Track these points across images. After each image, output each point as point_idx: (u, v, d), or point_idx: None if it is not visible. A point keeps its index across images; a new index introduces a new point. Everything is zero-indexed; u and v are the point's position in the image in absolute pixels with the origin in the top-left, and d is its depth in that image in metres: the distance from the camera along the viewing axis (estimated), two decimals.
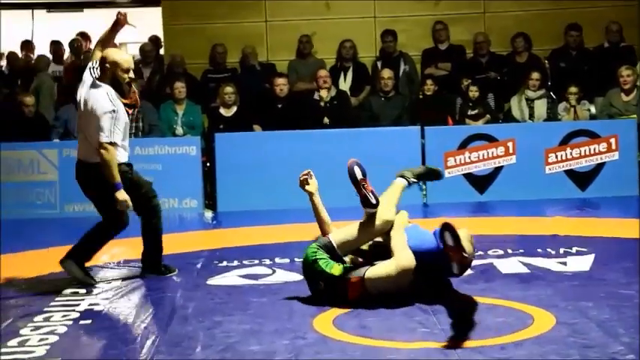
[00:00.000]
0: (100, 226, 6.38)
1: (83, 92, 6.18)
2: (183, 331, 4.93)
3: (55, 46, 13.14)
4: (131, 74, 6.23)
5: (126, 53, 6.30)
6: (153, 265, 6.51)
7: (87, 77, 6.25)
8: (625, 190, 10.01)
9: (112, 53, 6.16)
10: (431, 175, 5.97)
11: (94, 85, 6.11)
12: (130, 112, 6.35)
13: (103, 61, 6.10)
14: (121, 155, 6.14)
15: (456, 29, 12.10)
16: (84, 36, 13.04)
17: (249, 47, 11.90)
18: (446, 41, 11.83)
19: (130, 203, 6.12)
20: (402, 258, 5.34)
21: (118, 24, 6.39)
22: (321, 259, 5.44)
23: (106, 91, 6.04)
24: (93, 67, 6.29)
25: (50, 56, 12.99)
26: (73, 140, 10.40)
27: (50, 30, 14.73)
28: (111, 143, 5.96)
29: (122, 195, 6.04)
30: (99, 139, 5.94)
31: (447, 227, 5.16)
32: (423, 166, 6.13)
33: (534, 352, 4.32)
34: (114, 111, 5.98)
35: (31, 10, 15.96)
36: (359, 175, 5.55)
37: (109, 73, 6.09)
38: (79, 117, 6.28)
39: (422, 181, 5.98)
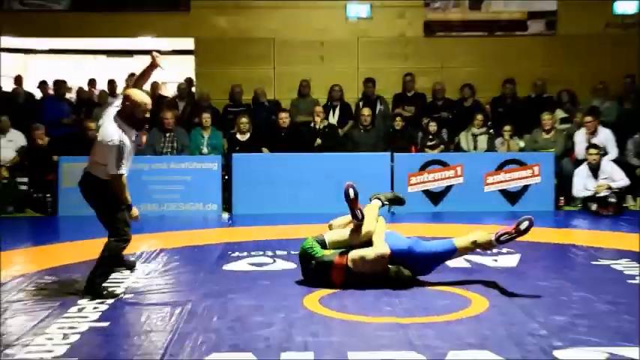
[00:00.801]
0: (107, 246, 5.47)
1: (102, 121, 5.48)
2: (203, 305, 4.94)
3: (111, 84, 13.17)
4: (147, 115, 5.61)
5: (147, 96, 5.59)
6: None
7: (110, 109, 5.51)
8: (544, 205, 10.01)
9: (134, 94, 5.45)
10: (397, 201, 6.04)
11: (110, 119, 5.40)
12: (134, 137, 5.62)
13: (126, 98, 5.43)
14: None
15: (420, 79, 12.15)
16: (133, 76, 13.04)
17: (260, 88, 11.94)
18: (412, 89, 11.87)
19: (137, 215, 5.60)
20: (380, 247, 5.42)
21: (153, 65, 5.73)
22: (314, 247, 5.54)
23: (119, 125, 5.35)
24: (118, 100, 5.56)
25: (107, 91, 13.03)
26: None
27: (108, 71, 14.74)
28: (120, 175, 5.34)
29: (135, 212, 5.55)
30: (109, 171, 5.32)
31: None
32: (391, 193, 6.15)
33: (471, 328, 4.35)
34: (121, 143, 5.27)
35: (94, 56, 16.00)
36: (352, 195, 5.58)
37: (129, 110, 5.40)
38: (96, 140, 5.49)
39: (390, 204, 6.01)
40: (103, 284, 5.33)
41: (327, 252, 5.51)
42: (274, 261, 6.54)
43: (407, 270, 5.43)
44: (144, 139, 10.38)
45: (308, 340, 4.10)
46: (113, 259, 5.50)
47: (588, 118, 10.35)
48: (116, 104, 5.49)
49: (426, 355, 3.80)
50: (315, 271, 5.49)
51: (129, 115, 5.41)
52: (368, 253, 5.40)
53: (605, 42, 12.44)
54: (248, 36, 12.76)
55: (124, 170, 5.36)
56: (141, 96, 5.49)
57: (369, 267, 5.39)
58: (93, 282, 5.28)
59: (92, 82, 13.54)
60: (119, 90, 13.18)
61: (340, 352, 3.86)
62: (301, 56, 12.73)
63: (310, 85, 11.98)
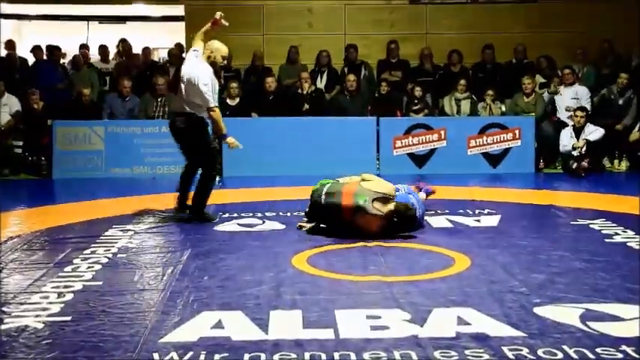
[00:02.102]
0: (202, 176, 6.42)
1: (188, 68, 6.25)
2: (195, 264, 4.92)
3: (103, 49, 13.00)
4: (225, 61, 6.55)
5: (225, 46, 6.46)
6: (196, 210, 6.46)
7: (191, 57, 6.34)
8: (525, 168, 10.03)
9: (215, 43, 6.34)
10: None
11: (198, 64, 6.22)
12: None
13: (208, 48, 6.28)
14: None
15: (405, 45, 12.04)
16: (124, 42, 12.86)
17: (259, 51, 11.84)
18: (397, 56, 11.75)
19: (239, 144, 6.49)
20: (386, 186, 5.73)
21: (216, 23, 6.47)
22: (323, 182, 5.98)
23: (207, 67, 6.21)
24: (196, 50, 6.35)
25: (99, 57, 12.88)
26: (116, 120, 10.39)
27: (101, 37, 14.55)
28: (216, 106, 6.21)
29: (231, 139, 6.44)
30: (207, 105, 6.15)
31: None
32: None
33: (454, 285, 4.35)
34: (212, 80, 6.19)
35: (87, 22, 15.77)
36: None
37: (212, 57, 6.27)
38: (184, 85, 6.24)
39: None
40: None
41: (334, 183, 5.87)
42: (263, 222, 6.52)
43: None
44: None
45: (296, 299, 4.09)
46: (211, 188, 6.43)
47: (566, 71, 10.56)
48: (195, 53, 6.32)
49: (410, 313, 3.79)
50: (327, 209, 5.65)
51: (212, 62, 6.27)
52: (378, 186, 5.65)
53: (583, 8, 12.35)
54: (238, 3, 12.57)
55: (216, 101, 6.24)
56: (221, 44, 6.38)
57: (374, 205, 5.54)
58: (201, 210, 6.38)
59: (84, 47, 13.32)
60: (111, 56, 13.05)
61: (327, 310, 3.85)
62: (290, 23, 12.58)
63: (299, 51, 11.86)
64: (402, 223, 5.64)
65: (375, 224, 5.59)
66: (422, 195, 6.58)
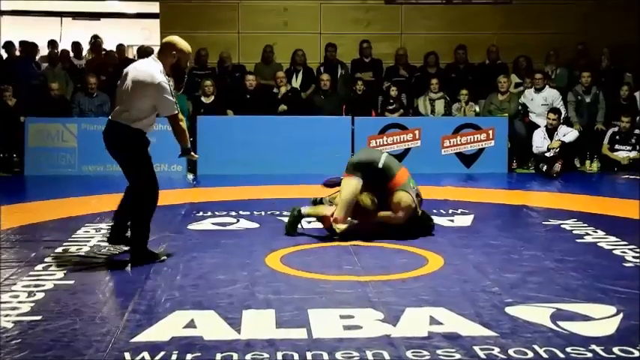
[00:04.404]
0: (135, 203, 4.96)
1: (143, 67, 4.83)
2: (168, 262, 4.88)
3: (76, 45, 12.87)
4: (188, 64, 5.14)
5: (187, 45, 4.95)
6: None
7: (148, 59, 4.94)
8: (498, 168, 10.09)
9: (179, 41, 4.91)
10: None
11: (149, 63, 4.85)
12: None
13: (172, 47, 4.85)
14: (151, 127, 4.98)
15: (381, 45, 12.06)
16: (97, 38, 12.75)
17: (226, 52, 11.76)
18: (370, 55, 11.75)
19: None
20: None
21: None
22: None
23: (160, 69, 4.79)
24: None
25: (72, 53, 12.74)
26: (88, 117, 10.27)
27: (75, 33, 14.41)
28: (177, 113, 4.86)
29: (192, 155, 5.15)
30: (172, 112, 4.80)
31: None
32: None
33: (427, 285, 4.36)
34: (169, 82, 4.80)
35: (60, 18, 15.60)
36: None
37: (175, 59, 4.85)
38: (131, 87, 4.80)
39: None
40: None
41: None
42: (238, 221, 6.49)
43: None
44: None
45: (269, 298, 4.08)
46: (148, 218, 4.94)
47: (537, 75, 10.62)
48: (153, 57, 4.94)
49: (383, 312, 3.80)
50: (381, 172, 5.69)
51: (175, 64, 4.87)
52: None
53: (556, 10, 12.46)
54: (213, 1, 12.54)
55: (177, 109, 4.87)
56: (186, 43, 4.94)
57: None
58: (142, 247, 4.91)
59: (54, 43, 13.17)
60: (84, 52, 12.93)
61: (301, 309, 3.85)
62: (265, 21, 12.54)
63: (274, 50, 11.83)
64: (413, 225, 5.75)
65: (404, 210, 5.63)
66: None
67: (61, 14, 15.45)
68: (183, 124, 4.95)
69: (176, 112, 4.85)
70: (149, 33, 13.31)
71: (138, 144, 4.89)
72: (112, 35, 13.83)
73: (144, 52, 11.66)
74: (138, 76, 4.79)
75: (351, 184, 5.62)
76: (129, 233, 5.04)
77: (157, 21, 12.93)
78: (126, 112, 4.81)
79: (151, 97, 4.75)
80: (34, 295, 4.13)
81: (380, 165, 5.68)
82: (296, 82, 11.30)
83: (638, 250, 5.26)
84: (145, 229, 4.93)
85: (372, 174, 5.64)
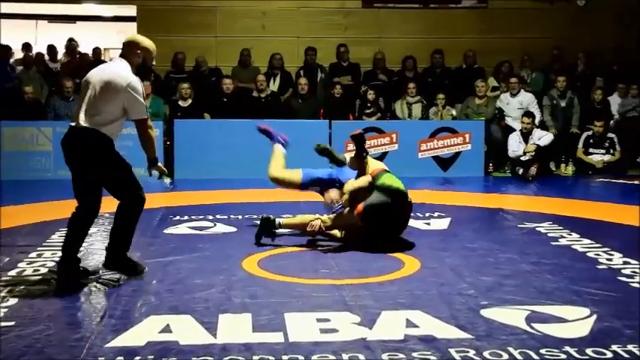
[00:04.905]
0: (122, 211, 4.63)
1: (111, 69, 4.57)
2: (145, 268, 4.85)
3: (51, 48, 12.77)
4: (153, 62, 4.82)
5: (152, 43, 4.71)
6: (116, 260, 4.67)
7: (115, 60, 4.69)
8: (474, 171, 10.16)
9: (143, 39, 4.69)
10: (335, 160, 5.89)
11: (119, 64, 4.58)
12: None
13: (136, 46, 4.59)
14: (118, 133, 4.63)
15: (359, 49, 12.09)
16: (72, 41, 12.65)
17: (201, 56, 11.73)
18: (347, 59, 11.77)
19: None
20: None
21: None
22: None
23: (128, 68, 4.54)
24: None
25: (47, 57, 12.64)
26: (65, 121, 10.17)
27: (50, 36, 14.28)
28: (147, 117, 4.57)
29: (160, 167, 4.89)
30: (142, 116, 4.51)
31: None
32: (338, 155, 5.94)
33: (403, 288, 4.37)
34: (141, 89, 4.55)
35: (35, 21, 15.46)
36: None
37: (140, 57, 4.60)
38: (99, 91, 4.46)
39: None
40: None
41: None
42: (215, 225, 6.47)
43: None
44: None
45: (246, 302, 4.07)
46: (134, 227, 4.63)
47: (513, 80, 10.73)
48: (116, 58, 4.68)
49: (359, 315, 3.80)
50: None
51: (141, 63, 4.61)
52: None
53: (532, 14, 12.58)
54: (190, 4, 12.50)
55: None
56: (150, 41, 4.70)
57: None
58: (125, 256, 4.62)
59: (27, 47, 13.04)
60: (60, 56, 12.82)
61: (277, 313, 3.84)
62: (243, 25, 12.53)
63: (251, 53, 11.82)
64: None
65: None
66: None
67: (36, 17, 15.31)
68: (152, 132, 4.63)
69: (146, 116, 4.54)
70: (126, 36, 13.19)
71: (111, 148, 4.55)
72: (89, 38, 13.71)
73: None
74: (108, 76, 4.48)
75: (366, 180, 5.55)
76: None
77: (134, 24, 12.84)
78: (97, 117, 4.45)
79: (122, 98, 4.43)
80: (7, 300, 4.09)
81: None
82: (274, 86, 11.30)
83: (620, 255, 5.30)
84: (130, 237, 4.64)
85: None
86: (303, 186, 6.21)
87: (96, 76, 4.53)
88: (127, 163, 4.65)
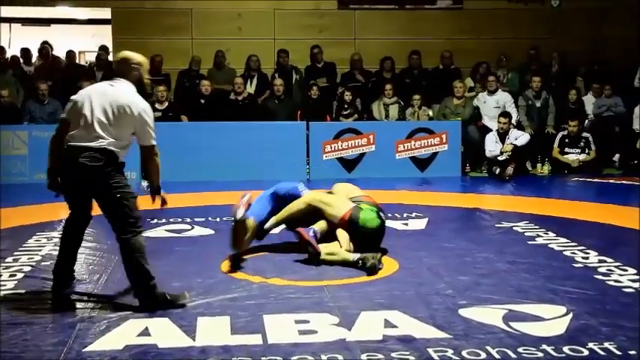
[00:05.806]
0: (125, 244, 4.23)
1: (121, 92, 4.28)
2: (122, 271, 4.76)
3: (25, 51, 12.65)
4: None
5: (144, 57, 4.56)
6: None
7: (119, 82, 4.34)
8: (451, 171, 10.19)
9: (135, 55, 4.47)
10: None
11: (126, 87, 4.32)
12: None
13: (131, 61, 4.40)
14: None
15: (334, 50, 12.11)
16: (46, 44, 12.54)
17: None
18: (321, 60, 11.78)
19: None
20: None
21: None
22: None
23: (134, 91, 4.36)
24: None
25: (22, 60, 12.52)
26: (40, 125, 10.09)
27: (23, 39, 14.15)
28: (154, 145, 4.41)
29: (164, 196, 4.71)
30: (151, 142, 4.39)
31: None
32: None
33: (382, 289, 4.40)
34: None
35: (8, 24, 15.30)
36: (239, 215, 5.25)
37: (139, 74, 4.41)
38: (114, 116, 4.22)
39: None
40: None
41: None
42: (192, 227, 6.46)
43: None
44: None
45: (225, 304, 4.07)
46: (143, 254, 4.20)
47: (490, 78, 10.85)
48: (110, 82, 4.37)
49: (338, 316, 3.82)
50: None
51: (138, 80, 4.41)
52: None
53: (508, 15, 12.69)
54: (166, 7, 12.45)
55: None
56: (141, 55, 4.51)
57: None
58: (151, 290, 4.11)
59: (2, 50, 12.90)
60: (34, 59, 12.70)
61: (256, 315, 3.84)
62: (219, 27, 12.50)
63: (227, 55, 11.79)
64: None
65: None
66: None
67: (9, 20, 15.16)
68: (158, 160, 4.50)
69: (154, 143, 4.38)
70: (101, 39, 13.10)
71: (123, 173, 4.40)
72: (63, 41, 13.61)
73: (105, 63, 11.51)
74: (122, 101, 4.23)
75: (348, 188, 5.51)
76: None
77: (109, 27, 12.78)
78: (115, 141, 4.25)
79: (135, 123, 4.26)
80: None
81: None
82: (250, 88, 11.28)
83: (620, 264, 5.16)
84: (146, 266, 4.17)
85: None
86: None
87: (101, 97, 4.25)
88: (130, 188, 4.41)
